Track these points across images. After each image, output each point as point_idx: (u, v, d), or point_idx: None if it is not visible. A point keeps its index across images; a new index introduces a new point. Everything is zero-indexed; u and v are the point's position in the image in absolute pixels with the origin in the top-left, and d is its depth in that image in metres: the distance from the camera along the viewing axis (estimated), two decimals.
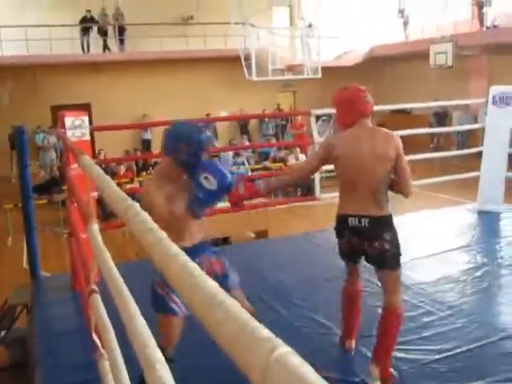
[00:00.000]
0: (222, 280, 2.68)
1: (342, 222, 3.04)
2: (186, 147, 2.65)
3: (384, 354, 3.02)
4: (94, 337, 2.48)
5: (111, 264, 1.77)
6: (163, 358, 1.20)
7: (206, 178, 2.57)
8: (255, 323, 0.56)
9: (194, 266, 0.73)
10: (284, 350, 0.52)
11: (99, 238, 2.23)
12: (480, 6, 15.62)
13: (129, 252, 7.69)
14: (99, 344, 2.41)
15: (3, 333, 4.74)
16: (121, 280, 1.55)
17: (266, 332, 0.55)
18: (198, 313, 0.63)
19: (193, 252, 2.23)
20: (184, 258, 0.76)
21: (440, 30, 16.17)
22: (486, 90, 6.36)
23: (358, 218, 2.93)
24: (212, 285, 0.65)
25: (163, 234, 0.90)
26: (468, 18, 16.46)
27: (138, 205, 1.18)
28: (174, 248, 0.82)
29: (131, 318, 1.36)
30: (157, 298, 2.71)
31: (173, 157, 2.71)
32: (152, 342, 1.25)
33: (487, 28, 15.32)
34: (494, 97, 6.15)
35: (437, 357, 3.23)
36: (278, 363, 0.50)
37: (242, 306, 0.61)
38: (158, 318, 2.72)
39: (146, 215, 1.06)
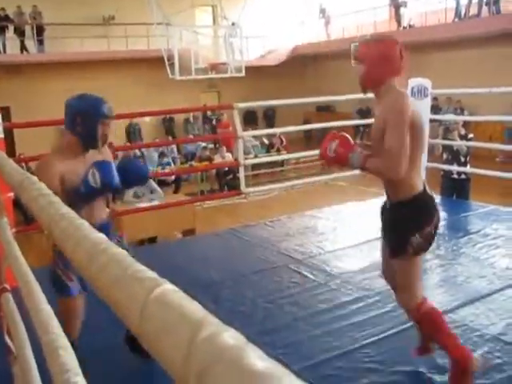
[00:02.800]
0: None
1: (433, 202, 2.56)
2: (82, 119, 2.56)
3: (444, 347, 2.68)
4: (7, 339, 2.33)
5: (19, 254, 1.66)
6: (68, 343, 1.12)
7: (93, 174, 2.58)
8: (139, 265, 0.50)
9: (82, 222, 0.65)
10: (166, 287, 0.45)
11: (9, 231, 2.10)
12: (397, 7, 16.19)
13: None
14: (12, 347, 2.26)
15: None
16: (27, 268, 1.45)
17: (149, 273, 0.48)
18: (83, 263, 0.56)
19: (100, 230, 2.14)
20: (73, 215, 0.69)
21: (360, 30, 16.58)
22: (406, 85, 6.51)
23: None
24: (98, 236, 0.58)
25: (56, 199, 0.82)
26: (386, 18, 16.99)
27: (35, 178, 1.09)
28: (65, 209, 0.74)
29: (36, 304, 1.26)
30: (54, 277, 2.55)
31: (71, 130, 2.61)
32: (57, 328, 1.16)
33: (404, 28, 15.87)
34: (412, 88, 6.32)
35: (365, 342, 3.24)
36: (157, 301, 0.43)
37: None
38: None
39: (41, 185, 0.97)
